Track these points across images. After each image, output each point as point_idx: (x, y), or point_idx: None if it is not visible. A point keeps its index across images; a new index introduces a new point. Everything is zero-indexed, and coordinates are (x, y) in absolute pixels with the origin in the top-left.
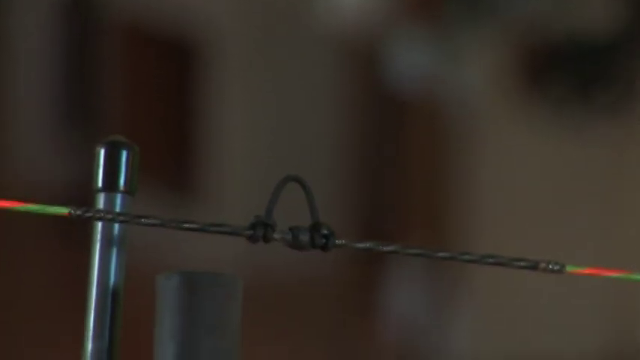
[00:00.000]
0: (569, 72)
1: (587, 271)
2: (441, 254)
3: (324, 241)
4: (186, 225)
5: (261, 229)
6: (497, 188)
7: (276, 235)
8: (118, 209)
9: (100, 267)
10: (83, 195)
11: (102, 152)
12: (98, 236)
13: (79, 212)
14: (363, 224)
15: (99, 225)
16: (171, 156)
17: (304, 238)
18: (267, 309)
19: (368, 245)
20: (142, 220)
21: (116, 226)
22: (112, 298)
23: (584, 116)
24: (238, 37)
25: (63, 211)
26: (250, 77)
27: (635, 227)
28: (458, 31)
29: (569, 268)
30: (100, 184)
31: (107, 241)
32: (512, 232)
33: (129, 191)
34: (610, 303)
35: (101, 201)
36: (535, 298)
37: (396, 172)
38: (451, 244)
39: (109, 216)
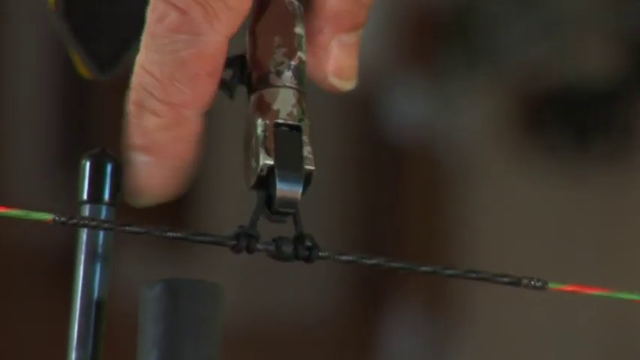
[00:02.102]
0: (566, 120)
1: (569, 288)
2: (423, 268)
3: (307, 252)
4: (171, 233)
5: (244, 240)
6: (494, 235)
7: (259, 246)
8: None
9: (85, 277)
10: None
11: (87, 165)
12: (82, 247)
13: (63, 219)
14: (360, 269)
15: (83, 235)
16: (170, 207)
17: (287, 249)
18: (265, 354)
19: (351, 258)
20: (127, 227)
21: (101, 235)
22: (96, 310)
23: (582, 164)
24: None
25: (46, 217)
26: None
27: (635, 275)
28: (454, 79)
29: (552, 285)
30: (84, 196)
31: (92, 252)
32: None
33: (113, 204)
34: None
35: (86, 213)
36: (538, 342)
37: (393, 218)
38: (450, 289)
39: (93, 223)
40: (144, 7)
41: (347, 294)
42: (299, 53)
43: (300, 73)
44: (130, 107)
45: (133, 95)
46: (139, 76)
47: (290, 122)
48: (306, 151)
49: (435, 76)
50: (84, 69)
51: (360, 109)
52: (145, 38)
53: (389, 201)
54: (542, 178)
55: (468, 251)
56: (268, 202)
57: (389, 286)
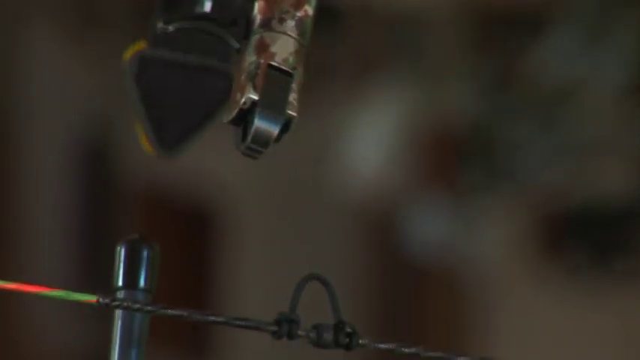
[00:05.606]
0: (587, 239)
1: None
2: (461, 358)
3: (347, 340)
4: (212, 318)
5: (286, 326)
6: (514, 356)
7: (300, 332)
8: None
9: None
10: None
11: (122, 251)
12: (118, 329)
13: (106, 301)
14: None
15: (119, 321)
16: (189, 324)
17: (328, 336)
18: None
19: (390, 346)
20: (168, 311)
21: (137, 319)
22: None
23: (602, 284)
24: (256, 204)
25: (90, 298)
26: (267, 245)
27: None
28: (475, 199)
29: None
30: (120, 282)
31: (128, 334)
32: None
33: (149, 289)
34: None
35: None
36: None
37: (413, 339)
38: None
39: (136, 306)
40: (218, 95)
41: None
42: (306, 7)
43: (303, 25)
44: None
45: None
46: None
47: (284, 67)
48: (292, 97)
49: (456, 197)
50: (145, 142)
51: (382, 228)
52: None
53: (409, 320)
54: (563, 297)
55: None
56: (243, 137)
57: None
